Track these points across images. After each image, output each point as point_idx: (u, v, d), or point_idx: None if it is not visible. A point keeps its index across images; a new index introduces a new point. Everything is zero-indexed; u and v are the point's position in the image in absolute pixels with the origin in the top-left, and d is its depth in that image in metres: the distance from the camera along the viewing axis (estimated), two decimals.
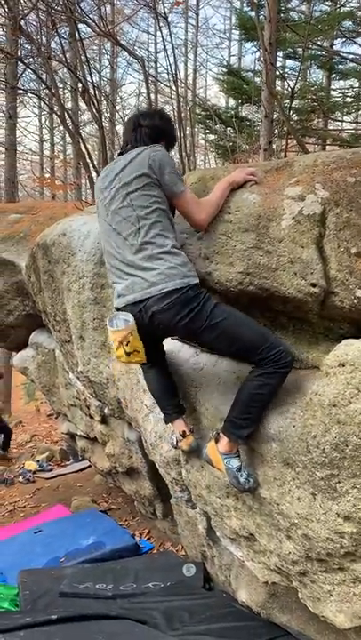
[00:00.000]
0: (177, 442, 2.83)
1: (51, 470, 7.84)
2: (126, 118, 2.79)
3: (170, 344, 2.98)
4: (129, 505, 5.45)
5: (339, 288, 2.27)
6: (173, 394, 2.83)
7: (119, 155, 2.60)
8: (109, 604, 3.33)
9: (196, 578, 3.51)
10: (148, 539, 4.68)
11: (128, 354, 2.42)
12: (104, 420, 4.40)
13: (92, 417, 4.58)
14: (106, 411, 4.20)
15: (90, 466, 6.73)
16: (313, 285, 2.27)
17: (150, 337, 2.48)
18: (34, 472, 7.57)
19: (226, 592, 3.30)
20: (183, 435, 2.75)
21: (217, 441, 2.48)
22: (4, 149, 11.21)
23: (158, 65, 19.78)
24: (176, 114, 5.84)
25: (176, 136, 2.78)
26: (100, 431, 4.51)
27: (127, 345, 2.39)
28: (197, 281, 2.35)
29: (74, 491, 6.47)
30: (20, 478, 7.33)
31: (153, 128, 2.59)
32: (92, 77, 6.03)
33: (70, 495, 6.16)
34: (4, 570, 4.18)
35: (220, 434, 2.46)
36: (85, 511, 5.32)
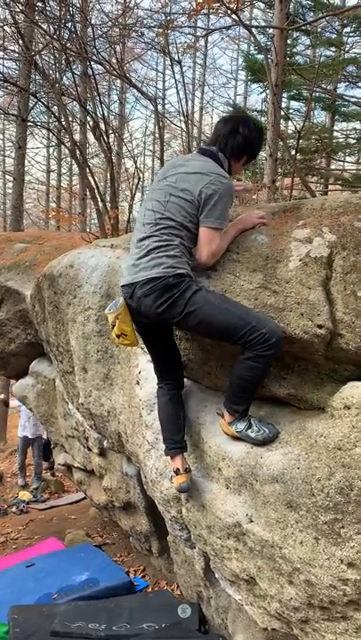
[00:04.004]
0: (171, 477, 2.82)
1: (45, 501, 7.70)
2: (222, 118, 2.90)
3: None
4: (124, 540, 5.35)
5: (345, 330, 2.29)
6: (180, 428, 2.82)
7: (199, 150, 2.76)
8: None
9: (191, 620, 3.42)
10: (143, 576, 4.58)
11: (118, 336, 2.63)
12: (102, 453, 4.36)
13: (90, 449, 4.53)
14: (105, 443, 4.16)
15: (84, 498, 6.62)
16: (319, 327, 2.29)
17: (147, 326, 2.66)
18: (27, 502, 7.43)
19: (222, 636, 3.21)
20: (177, 472, 2.73)
21: (222, 416, 2.58)
22: (12, 178, 11.39)
23: (166, 101, 20.27)
24: (185, 150, 5.97)
25: (253, 148, 2.81)
26: (98, 464, 4.46)
27: (114, 328, 2.60)
28: (183, 272, 2.43)
29: (68, 523, 6.36)
30: (14, 508, 7.19)
31: (246, 138, 2.68)
32: (103, 113, 6.18)
33: (64, 528, 6.05)
34: None
35: (224, 408, 2.56)
36: (79, 545, 5.21)
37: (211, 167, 2.57)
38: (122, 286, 2.61)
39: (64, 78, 8.28)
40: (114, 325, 2.61)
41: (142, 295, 2.45)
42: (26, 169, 12.91)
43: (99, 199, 6.04)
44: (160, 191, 2.60)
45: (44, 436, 8.43)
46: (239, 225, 2.65)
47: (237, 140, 2.66)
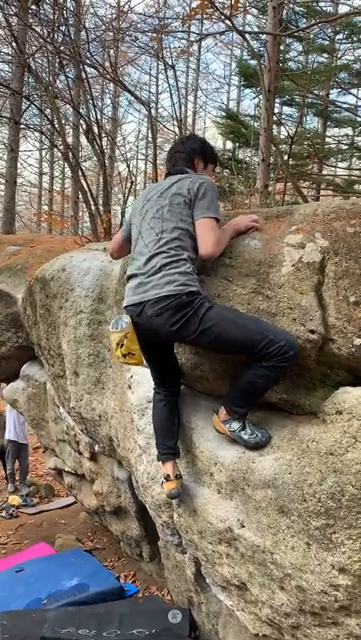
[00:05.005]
0: (162, 483, 2.81)
1: (35, 506, 7.64)
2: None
3: None
4: (114, 545, 5.32)
5: (337, 335, 2.30)
6: (174, 434, 2.81)
7: (166, 176, 2.79)
8: None
9: (181, 625, 3.40)
10: (134, 581, 4.56)
11: (124, 355, 2.54)
12: (93, 457, 4.34)
13: (80, 453, 4.51)
14: (96, 448, 4.15)
15: (75, 502, 6.58)
16: (312, 332, 2.29)
17: (153, 343, 2.58)
18: (17, 507, 7.37)
19: None
20: (167, 478, 2.72)
21: (218, 413, 2.58)
22: (4, 181, 11.35)
23: (159, 105, 20.34)
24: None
25: (212, 152, 2.96)
26: (89, 468, 4.44)
27: (122, 347, 2.51)
28: (195, 289, 2.40)
29: (58, 528, 6.32)
30: (3, 513, 7.13)
31: (201, 143, 2.85)
32: (96, 116, 6.18)
33: (54, 533, 6.00)
34: None
35: (221, 406, 2.55)
36: (69, 550, 5.17)
37: (187, 175, 2.66)
38: (126, 306, 2.54)
39: (57, 81, 8.28)
40: (121, 344, 2.50)
41: (153, 314, 2.39)
42: (18, 171, 12.85)
43: (91, 202, 6.03)
44: (151, 210, 2.60)
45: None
46: (234, 225, 2.65)
47: (193, 148, 2.80)
